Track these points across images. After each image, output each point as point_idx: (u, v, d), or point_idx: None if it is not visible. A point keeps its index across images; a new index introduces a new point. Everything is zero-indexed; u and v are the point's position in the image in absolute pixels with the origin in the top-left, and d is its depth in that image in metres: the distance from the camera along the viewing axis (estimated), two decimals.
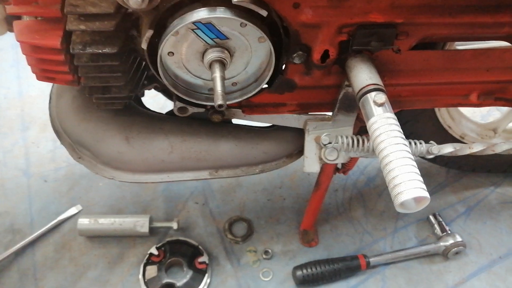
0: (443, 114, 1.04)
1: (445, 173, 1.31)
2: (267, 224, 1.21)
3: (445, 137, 1.07)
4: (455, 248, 1.11)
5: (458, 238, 1.13)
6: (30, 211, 1.24)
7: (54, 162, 1.37)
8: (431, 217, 1.19)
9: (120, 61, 0.68)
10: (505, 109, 1.16)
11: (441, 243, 1.13)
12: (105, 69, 0.69)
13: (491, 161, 1.22)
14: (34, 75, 1.47)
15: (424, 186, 0.59)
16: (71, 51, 0.66)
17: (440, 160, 1.22)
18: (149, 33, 0.65)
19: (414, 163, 0.60)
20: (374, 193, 1.28)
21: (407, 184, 0.58)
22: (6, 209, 1.24)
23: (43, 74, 0.73)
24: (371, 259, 1.09)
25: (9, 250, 1.13)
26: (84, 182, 1.31)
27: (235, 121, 0.89)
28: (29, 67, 1.72)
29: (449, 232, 1.15)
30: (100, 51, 0.66)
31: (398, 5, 0.66)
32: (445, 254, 1.13)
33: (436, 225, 1.17)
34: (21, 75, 1.65)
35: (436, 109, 1.02)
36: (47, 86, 1.60)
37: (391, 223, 1.22)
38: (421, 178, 0.59)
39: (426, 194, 0.58)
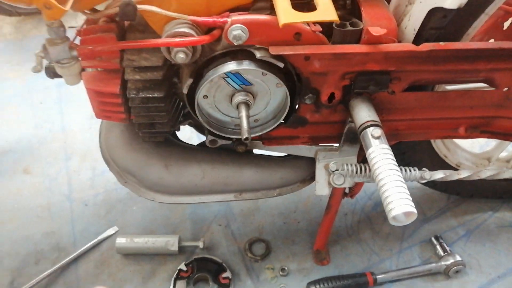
0: (439, 145, 1.17)
1: (446, 198, 1.42)
2: (283, 244, 1.33)
3: (442, 165, 1.20)
4: (455, 267, 1.21)
5: (458, 258, 1.23)
6: (73, 231, 1.39)
7: (93, 188, 1.53)
8: (433, 239, 1.30)
9: (165, 103, 0.85)
10: (497, 140, 1.28)
11: (442, 262, 1.23)
12: (153, 109, 0.86)
13: (488, 188, 1.33)
14: (75, 111, 1.68)
15: (412, 204, 0.72)
16: (127, 95, 0.83)
17: (440, 186, 1.34)
18: (189, 81, 0.81)
19: (405, 185, 0.73)
20: (381, 216, 1.40)
21: (397, 201, 0.71)
22: (52, 230, 1.39)
23: (102, 113, 0.90)
24: (378, 276, 1.20)
25: (56, 266, 1.28)
26: (120, 206, 1.46)
27: (256, 151, 1.05)
28: (70, 104, 1.93)
29: (449, 252, 1.26)
30: (150, 95, 0.83)
31: (390, 57, 0.81)
32: (446, 273, 1.23)
33: (438, 246, 1.28)
34: (64, 111, 1.84)
35: (432, 141, 1.15)
36: (86, 121, 1.80)
37: (396, 244, 1.33)
38: (410, 197, 0.73)
39: (414, 210, 0.71)
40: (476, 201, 1.42)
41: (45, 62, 0.81)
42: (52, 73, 0.87)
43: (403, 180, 0.74)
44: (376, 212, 1.41)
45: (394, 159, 0.78)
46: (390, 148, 0.80)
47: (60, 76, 0.87)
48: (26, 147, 1.68)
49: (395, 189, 0.72)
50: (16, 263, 1.29)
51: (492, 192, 1.35)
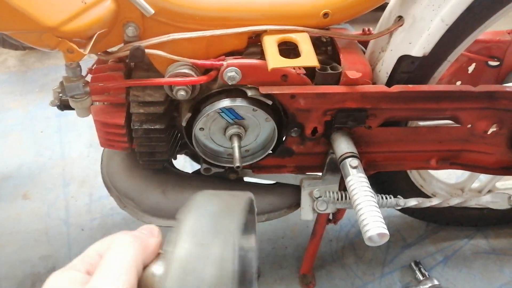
0: (415, 175, 1.27)
1: (424, 226, 1.51)
2: (271, 268, 1.40)
3: (419, 195, 1.29)
4: None
5: (436, 282, 1.31)
6: (69, 255, 1.45)
7: (89, 213, 1.60)
8: (413, 264, 1.38)
9: (165, 134, 0.94)
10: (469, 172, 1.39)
11: (421, 286, 1.31)
12: (154, 140, 0.95)
13: (462, 216, 1.43)
14: (74, 140, 1.76)
15: (384, 226, 0.81)
16: (131, 127, 0.93)
17: (418, 214, 1.44)
18: (188, 115, 0.91)
19: (378, 210, 0.83)
20: (363, 243, 1.46)
21: (372, 224, 0.80)
22: (49, 253, 1.45)
23: (107, 142, 0.99)
24: None
25: None
26: (116, 231, 1.50)
27: (246, 178, 1.14)
28: (69, 133, 2.01)
29: (428, 277, 1.34)
30: (152, 127, 0.92)
31: (366, 96, 0.92)
32: None
33: (417, 271, 1.36)
34: (63, 140, 1.93)
35: (409, 171, 1.25)
36: (85, 149, 1.88)
37: (379, 269, 1.40)
38: (383, 220, 0.82)
39: (386, 231, 0.80)
40: (452, 229, 1.51)
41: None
42: (63, 106, 0.96)
43: (377, 205, 0.84)
44: (359, 239, 1.49)
45: (370, 186, 0.87)
46: (366, 177, 0.89)
47: (70, 109, 0.97)
48: (26, 173, 1.75)
49: (370, 213, 0.81)
50: (13, 285, 1.34)
51: (467, 220, 1.44)
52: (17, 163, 1.78)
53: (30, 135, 1.92)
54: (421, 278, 1.33)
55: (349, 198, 1.03)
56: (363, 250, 1.46)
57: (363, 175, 0.89)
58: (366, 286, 1.35)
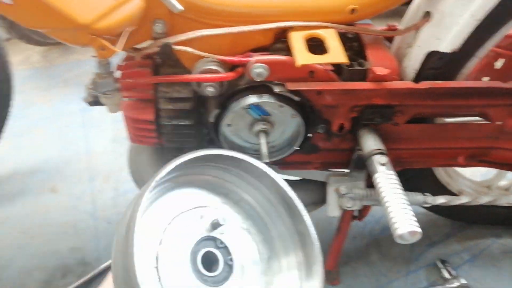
0: (441, 173, 1.25)
1: (450, 224, 1.49)
2: None
3: (445, 192, 1.27)
4: None
5: (463, 281, 1.29)
6: (98, 248, 1.48)
7: (116, 207, 1.63)
8: (439, 263, 1.36)
9: (194, 130, 0.95)
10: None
11: (448, 285, 1.29)
12: (183, 136, 0.96)
13: (490, 214, 1.40)
14: (98, 135, 1.78)
15: (416, 223, 0.80)
16: (161, 123, 0.94)
17: (444, 212, 1.42)
18: (216, 111, 0.92)
19: (409, 207, 0.82)
20: (388, 240, 1.47)
21: (403, 221, 0.79)
22: (78, 246, 1.48)
23: (136, 138, 1.00)
24: None
25: (82, 280, 1.36)
26: None
27: None
28: (94, 128, 2.04)
29: (455, 275, 1.32)
30: (181, 123, 0.94)
31: (393, 93, 0.91)
32: None
33: (443, 270, 1.34)
34: (88, 135, 1.96)
35: (434, 168, 1.24)
36: (109, 144, 1.92)
37: (404, 267, 1.39)
38: (414, 218, 0.81)
39: (418, 229, 0.79)
40: (479, 227, 1.48)
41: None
42: (93, 102, 0.98)
43: (408, 202, 0.83)
44: (384, 236, 1.48)
45: (399, 183, 0.87)
46: (395, 173, 0.88)
47: (99, 105, 0.99)
48: (52, 167, 1.79)
49: (401, 210, 0.80)
50: (44, 276, 1.38)
51: (494, 219, 1.42)
52: (43, 157, 1.82)
53: (55, 130, 1.96)
54: (448, 276, 1.32)
55: (377, 195, 1.02)
56: (388, 247, 1.44)
57: (391, 172, 0.88)
58: (391, 284, 1.34)
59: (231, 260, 0.49)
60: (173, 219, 0.48)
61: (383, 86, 0.89)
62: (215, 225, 0.49)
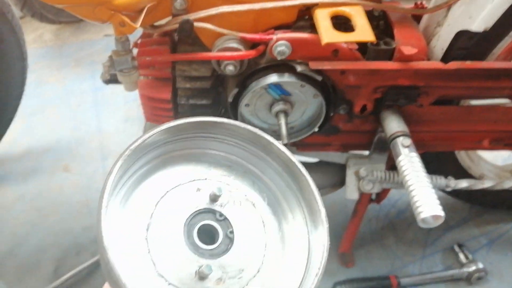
0: (462, 156, 1.22)
1: (468, 208, 1.47)
2: None
3: (465, 176, 1.24)
4: (478, 274, 1.26)
5: (480, 265, 1.27)
6: None
7: None
8: (456, 247, 1.35)
9: (211, 109, 0.93)
10: None
11: (465, 269, 1.28)
12: (200, 114, 0.93)
13: (509, 199, 1.37)
14: (110, 114, 1.77)
15: (440, 207, 0.78)
16: (178, 102, 0.92)
17: (463, 196, 1.39)
18: (235, 90, 0.89)
19: (433, 190, 0.80)
20: (404, 224, 1.45)
21: (426, 205, 0.77)
22: (91, 224, 1.48)
23: (152, 117, 0.98)
24: (401, 280, 1.26)
25: (95, 258, 1.37)
26: None
27: None
28: (105, 108, 2.02)
29: (472, 260, 1.30)
30: (198, 102, 0.91)
31: (420, 73, 0.88)
32: (468, 280, 1.27)
33: (460, 254, 1.32)
34: (99, 114, 1.95)
35: (456, 152, 1.21)
36: (121, 124, 1.90)
37: (419, 250, 1.38)
38: (438, 201, 0.79)
39: (442, 213, 0.77)
40: (498, 212, 1.46)
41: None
42: (109, 80, 0.96)
43: (432, 186, 0.81)
44: (399, 219, 1.46)
45: (423, 166, 0.84)
46: (418, 156, 0.86)
47: (115, 83, 0.96)
48: (65, 147, 1.79)
49: (424, 193, 0.78)
50: (59, 253, 1.39)
51: None
52: (55, 136, 1.81)
53: (67, 109, 1.95)
54: (465, 261, 1.30)
55: (397, 178, 1.00)
56: (403, 230, 1.43)
57: (415, 154, 0.86)
58: (407, 267, 1.33)
59: (231, 232, 0.47)
60: (167, 193, 0.46)
61: (409, 66, 0.85)
62: (214, 197, 0.46)
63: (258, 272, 0.46)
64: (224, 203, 0.47)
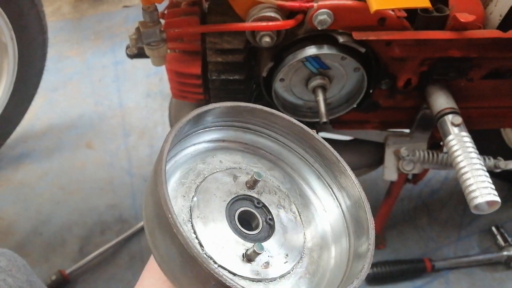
0: (508, 134, 1.14)
1: (507, 189, 1.39)
2: None
3: (510, 156, 1.17)
4: None
5: None
6: (134, 205, 1.46)
7: (151, 165, 1.58)
8: (494, 229, 1.29)
9: (244, 85, 0.87)
10: None
11: (504, 253, 1.22)
12: (232, 91, 0.88)
13: None
14: (131, 90, 1.71)
15: (495, 192, 0.72)
16: (209, 77, 0.86)
17: (505, 176, 1.32)
18: (270, 64, 0.83)
19: (487, 174, 0.73)
20: (438, 204, 1.39)
21: (481, 190, 0.71)
22: (115, 203, 1.46)
23: (179, 93, 0.93)
24: (436, 263, 1.21)
25: (120, 237, 1.35)
26: None
27: (322, 134, 1.06)
28: (127, 83, 1.97)
29: (511, 243, 1.24)
30: (231, 77, 0.85)
31: (474, 43, 0.80)
32: (507, 263, 1.22)
33: (498, 236, 1.26)
34: (121, 89, 1.90)
35: (502, 131, 1.13)
36: (142, 100, 1.86)
37: (455, 232, 1.32)
38: (493, 186, 0.72)
39: (497, 199, 0.71)
40: None
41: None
42: (134, 55, 0.90)
43: (485, 169, 0.74)
44: (432, 199, 1.40)
45: (475, 147, 0.77)
46: (470, 136, 0.79)
47: (139, 57, 0.91)
48: (87, 123, 1.76)
49: (479, 177, 0.72)
50: (83, 232, 1.37)
51: None
52: (77, 112, 1.78)
53: (88, 84, 1.91)
54: (503, 244, 1.24)
55: (441, 158, 0.93)
56: (437, 211, 1.37)
57: (466, 134, 0.79)
58: (441, 249, 1.28)
59: (271, 219, 0.46)
60: (206, 178, 0.45)
61: (464, 35, 0.78)
62: (251, 184, 0.46)
63: (301, 259, 0.45)
64: (260, 191, 0.47)
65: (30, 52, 1.23)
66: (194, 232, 0.42)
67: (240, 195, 0.46)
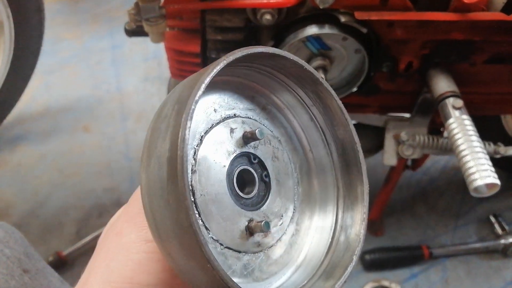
0: (509, 122, 1.13)
1: (506, 178, 1.39)
2: None
3: (509, 144, 1.16)
4: None
5: None
6: (132, 188, 1.44)
7: None
8: (492, 217, 1.28)
9: None
10: None
11: (501, 241, 1.22)
12: None
13: None
14: (129, 73, 1.69)
15: (495, 175, 0.71)
16: (207, 55, 0.85)
17: (504, 164, 1.31)
18: (270, 43, 0.82)
19: (487, 157, 0.73)
20: (436, 192, 1.39)
21: (480, 173, 0.71)
22: (113, 186, 1.46)
23: (178, 72, 0.92)
24: (433, 250, 1.21)
25: None
26: None
27: None
28: (125, 66, 1.95)
29: (508, 231, 1.24)
30: None
31: (477, 26, 0.79)
32: (504, 252, 1.22)
33: (496, 225, 1.26)
34: (119, 73, 1.89)
35: (502, 118, 1.12)
36: (140, 84, 1.84)
37: (452, 220, 1.32)
38: (493, 169, 0.72)
39: (497, 181, 0.70)
40: None
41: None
42: (132, 32, 0.89)
43: (485, 152, 0.73)
44: (431, 187, 1.40)
45: (475, 131, 0.77)
46: (470, 119, 0.78)
47: (138, 35, 0.89)
48: (85, 106, 1.74)
49: (479, 160, 0.71)
50: (81, 214, 1.37)
51: None
52: (75, 95, 1.77)
53: (86, 68, 1.89)
54: (500, 232, 1.24)
55: (442, 143, 0.93)
56: (435, 199, 1.37)
57: (467, 117, 0.78)
58: (439, 237, 1.28)
59: (266, 176, 0.42)
60: (202, 140, 0.40)
61: (467, 17, 0.76)
62: (248, 139, 0.41)
63: (293, 214, 0.42)
64: (256, 144, 0.42)
65: (26, 31, 1.21)
66: (199, 215, 0.37)
67: (238, 154, 0.41)
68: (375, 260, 1.18)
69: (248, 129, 0.42)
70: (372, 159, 1.13)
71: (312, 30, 0.79)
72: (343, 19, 0.77)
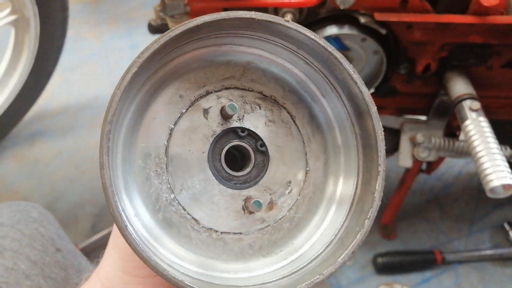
0: None
1: None
2: None
3: None
4: None
5: None
6: None
7: None
8: (506, 225, 1.28)
9: None
10: None
11: None
12: None
13: None
14: None
15: (511, 176, 0.71)
16: None
17: None
18: None
19: (504, 158, 0.73)
20: (450, 198, 1.38)
21: (497, 173, 0.71)
22: None
23: None
24: (446, 255, 1.20)
25: None
26: None
27: None
28: None
29: None
30: None
31: (496, 29, 0.80)
32: None
33: (510, 232, 1.25)
34: None
35: None
36: None
37: (466, 226, 1.31)
38: (509, 170, 0.72)
39: None
40: None
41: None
42: (155, 29, 0.91)
43: (502, 153, 0.74)
44: (445, 194, 1.39)
45: (492, 132, 0.77)
46: (487, 121, 0.79)
47: (160, 33, 0.92)
48: (103, 104, 1.77)
49: (495, 161, 0.72)
50: (96, 209, 1.39)
51: None
52: (93, 93, 1.80)
53: (105, 66, 1.93)
54: None
55: (458, 146, 0.93)
56: (449, 205, 1.36)
57: (484, 119, 0.79)
58: (452, 243, 1.27)
59: (262, 145, 0.38)
60: (172, 132, 0.37)
61: (486, 20, 0.77)
62: (228, 114, 0.37)
63: (307, 175, 0.38)
64: (241, 115, 0.38)
65: (51, 28, 1.25)
66: (184, 209, 0.36)
67: (219, 133, 0.38)
68: (387, 263, 1.18)
69: (226, 103, 0.38)
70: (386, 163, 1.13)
71: (332, 30, 0.81)
72: (362, 20, 0.79)
